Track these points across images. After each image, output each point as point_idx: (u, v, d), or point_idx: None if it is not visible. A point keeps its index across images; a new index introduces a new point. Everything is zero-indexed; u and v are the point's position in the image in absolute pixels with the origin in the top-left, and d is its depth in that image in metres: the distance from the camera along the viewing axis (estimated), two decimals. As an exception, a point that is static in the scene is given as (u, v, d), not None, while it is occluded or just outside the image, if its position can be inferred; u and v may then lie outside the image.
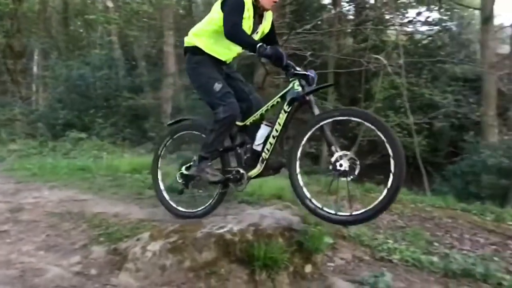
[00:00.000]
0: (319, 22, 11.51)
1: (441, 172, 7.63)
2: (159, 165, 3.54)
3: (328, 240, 3.30)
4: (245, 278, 2.69)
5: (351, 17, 13.54)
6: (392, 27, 11.69)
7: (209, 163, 3.10)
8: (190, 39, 3.13)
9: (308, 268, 2.95)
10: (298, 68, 2.88)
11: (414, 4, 13.26)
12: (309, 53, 9.26)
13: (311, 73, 2.84)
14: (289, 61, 2.83)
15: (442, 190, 6.35)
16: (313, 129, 2.75)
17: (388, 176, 2.48)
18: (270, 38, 3.24)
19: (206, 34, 3.06)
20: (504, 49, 10.69)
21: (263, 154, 2.95)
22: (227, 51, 3.13)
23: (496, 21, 10.09)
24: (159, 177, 3.53)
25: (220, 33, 2.95)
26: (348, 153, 2.64)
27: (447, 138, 9.54)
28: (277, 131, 2.89)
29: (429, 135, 9.90)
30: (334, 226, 3.73)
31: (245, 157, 3.08)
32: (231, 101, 2.96)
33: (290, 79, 2.90)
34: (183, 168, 3.29)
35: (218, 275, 2.65)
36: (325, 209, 2.69)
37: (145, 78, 11.87)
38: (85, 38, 15.88)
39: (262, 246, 2.71)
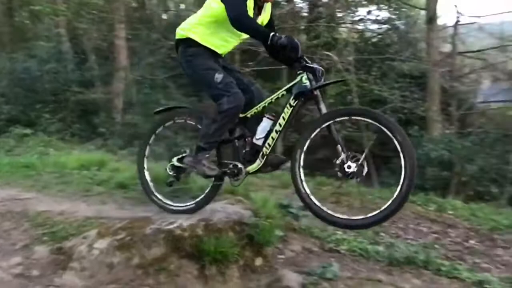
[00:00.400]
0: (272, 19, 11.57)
1: (389, 165, 7.91)
2: (146, 155, 3.31)
3: (279, 233, 3.36)
4: (195, 273, 2.69)
5: (305, 14, 13.70)
6: (343, 25, 11.93)
7: (207, 155, 2.92)
8: (183, 31, 2.96)
9: (258, 261, 2.99)
10: (309, 61, 2.79)
11: (364, 2, 13.59)
12: (262, 49, 9.27)
13: (320, 68, 2.76)
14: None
15: (390, 182, 6.60)
16: (320, 128, 2.67)
17: (400, 177, 2.47)
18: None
19: (203, 26, 2.90)
20: (447, 47, 11.23)
21: (264, 149, 2.84)
22: (224, 44, 2.99)
23: (440, 21, 10.57)
24: (146, 168, 3.31)
25: (218, 24, 2.85)
26: (360, 156, 2.59)
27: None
28: (280, 125, 2.80)
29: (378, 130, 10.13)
30: (285, 219, 3.82)
31: (244, 151, 2.95)
32: (235, 91, 2.82)
33: (298, 72, 2.79)
34: (175, 159, 3.13)
35: (167, 271, 2.63)
36: (337, 215, 2.65)
37: (95, 72, 11.48)
38: (31, 30, 15.12)
39: (212, 241, 2.72)
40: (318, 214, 2.67)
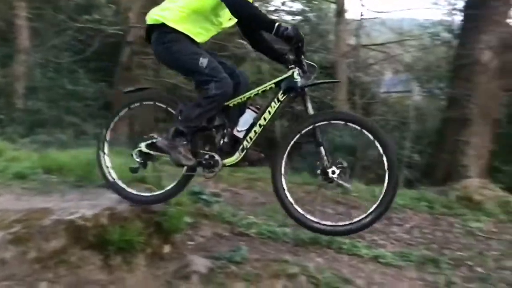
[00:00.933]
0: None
1: (300, 150, 8.23)
2: (108, 138, 3.07)
3: (188, 219, 3.35)
4: (99, 264, 2.61)
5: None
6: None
7: (184, 142, 2.71)
8: (158, 17, 2.73)
9: (166, 249, 2.97)
10: (303, 56, 2.69)
11: (279, -7, 13.87)
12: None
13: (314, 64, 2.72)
14: None
15: (300, 168, 6.87)
16: (305, 129, 2.65)
17: (384, 179, 2.55)
18: None
19: (183, 13, 2.69)
20: (354, 40, 11.91)
21: (245, 142, 2.74)
22: (204, 32, 2.81)
23: (348, 15, 11.16)
24: (106, 153, 3.06)
25: (201, 13, 2.70)
26: (345, 164, 2.63)
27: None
28: (265, 119, 2.71)
29: (292, 118, 10.54)
30: (195, 205, 3.83)
31: (222, 142, 2.81)
32: (223, 75, 2.66)
33: (290, 67, 2.70)
34: (143, 144, 2.92)
35: (68, 264, 2.52)
36: (323, 222, 2.70)
37: (-8, 54, 10.48)
38: None
39: (116, 230, 2.64)
40: (302, 222, 2.73)
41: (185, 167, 2.81)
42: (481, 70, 6.23)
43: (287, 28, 2.52)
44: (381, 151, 2.57)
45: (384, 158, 2.56)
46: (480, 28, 6.24)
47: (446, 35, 8.65)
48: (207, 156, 2.79)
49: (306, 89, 2.70)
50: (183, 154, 2.68)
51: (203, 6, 2.69)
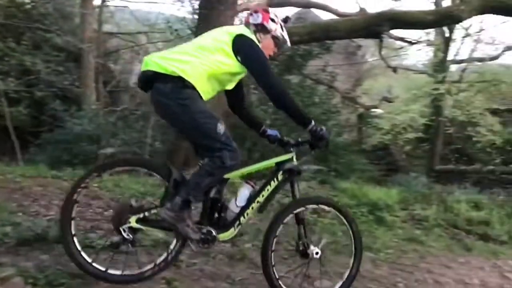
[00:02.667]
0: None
1: (38, 141, 7.56)
2: (73, 212, 2.56)
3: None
4: None
5: None
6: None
7: (190, 214, 2.51)
8: (174, 68, 2.46)
9: None
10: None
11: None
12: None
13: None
14: None
15: (36, 159, 6.31)
16: (293, 213, 2.82)
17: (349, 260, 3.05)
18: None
19: (205, 71, 2.51)
20: (107, 28, 11.56)
21: (242, 218, 2.68)
22: (211, 92, 2.63)
23: (96, 0, 10.72)
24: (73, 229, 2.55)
25: (222, 75, 2.59)
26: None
27: (48, 107, 9.42)
28: (263, 196, 2.74)
29: (30, 104, 9.53)
30: None
31: (218, 216, 2.68)
32: (235, 146, 2.55)
33: (291, 149, 2.86)
34: (133, 218, 2.52)
35: None
36: None
37: None
38: None
39: None
40: None
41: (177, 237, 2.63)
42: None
43: (322, 129, 2.68)
44: (348, 226, 3.03)
45: (352, 235, 3.03)
46: (212, 28, 6.89)
47: (188, 31, 9.29)
48: (204, 231, 2.62)
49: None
50: (191, 227, 2.53)
51: (229, 71, 2.62)
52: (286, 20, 2.98)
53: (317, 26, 7.20)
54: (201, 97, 2.57)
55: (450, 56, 16.65)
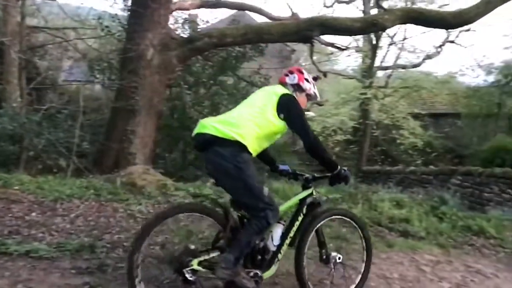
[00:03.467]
0: None
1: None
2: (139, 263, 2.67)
3: None
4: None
5: None
6: None
7: (242, 265, 2.79)
8: (233, 133, 2.72)
9: None
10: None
11: None
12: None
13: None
14: None
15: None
16: (322, 222, 3.22)
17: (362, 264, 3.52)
18: None
19: (258, 133, 2.80)
20: (30, 21, 10.87)
21: (279, 255, 2.96)
22: (259, 150, 2.91)
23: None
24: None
25: (270, 136, 2.90)
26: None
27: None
28: (293, 231, 3.02)
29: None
30: None
31: (261, 258, 2.91)
32: (276, 205, 2.86)
33: (310, 185, 3.20)
34: (196, 261, 2.70)
35: None
36: None
37: None
38: None
39: None
40: None
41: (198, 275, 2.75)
42: (145, 65, 6.80)
43: (345, 170, 3.04)
44: (361, 234, 3.49)
45: (364, 242, 3.50)
46: (145, 26, 6.80)
47: (119, 28, 9.00)
48: (252, 274, 2.82)
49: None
50: (247, 278, 2.75)
51: (277, 131, 2.91)
52: (316, 78, 3.37)
53: (250, 28, 7.29)
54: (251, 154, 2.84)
55: (377, 63, 17.66)
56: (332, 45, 7.65)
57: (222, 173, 2.79)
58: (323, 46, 8.98)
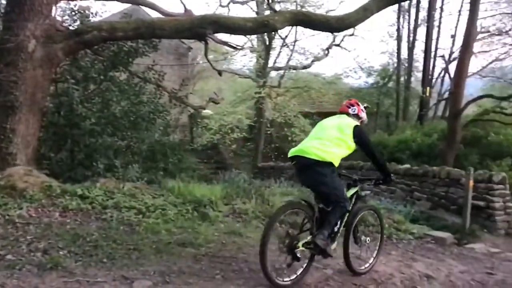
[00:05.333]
0: None
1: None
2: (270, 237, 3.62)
3: None
4: None
5: None
6: None
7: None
8: (328, 158, 3.85)
9: None
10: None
11: None
12: None
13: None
14: None
15: None
16: (362, 213, 4.47)
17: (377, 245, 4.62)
18: None
19: (340, 157, 3.97)
20: None
21: (338, 233, 4.10)
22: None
23: None
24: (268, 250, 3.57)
25: (345, 155, 4.03)
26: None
27: None
28: (346, 217, 4.12)
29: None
30: None
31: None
32: (348, 198, 4.08)
33: (356, 184, 4.35)
34: (301, 244, 3.75)
35: None
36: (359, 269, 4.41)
37: None
38: None
39: None
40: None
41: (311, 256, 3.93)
42: (26, 58, 6.20)
43: (391, 176, 4.41)
44: (380, 224, 4.77)
45: (380, 226, 4.76)
46: (25, 16, 6.22)
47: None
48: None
49: None
50: (332, 248, 3.97)
51: (351, 151, 4.07)
52: (366, 107, 4.49)
53: (142, 23, 7.07)
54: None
55: (270, 63, 18.32)
56: (226, 43, 7.77)
57: (321, 184, 3.91)
58: (219, 45, 9.08)
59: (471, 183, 7.37)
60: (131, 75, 9.12)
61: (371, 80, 21.26)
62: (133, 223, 5.10)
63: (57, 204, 5.25)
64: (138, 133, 8.58)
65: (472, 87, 20.42)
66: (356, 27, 16.98)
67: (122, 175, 7.08)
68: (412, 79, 19.57)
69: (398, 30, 19.84)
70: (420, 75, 17.56)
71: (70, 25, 8.31)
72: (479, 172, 8.05)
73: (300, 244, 3.74)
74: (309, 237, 3.82)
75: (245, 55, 20.07)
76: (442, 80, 20.58)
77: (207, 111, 17.24)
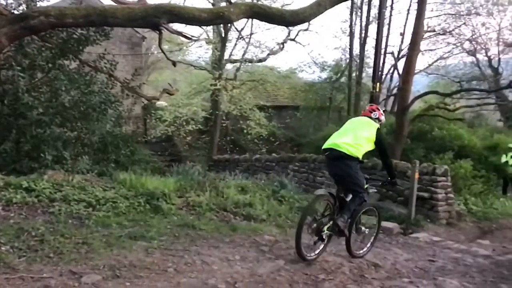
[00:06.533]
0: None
1: None
2: (307, 220, 4.47)
3: None
4: None
5: None
6: None
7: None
8: (354, 150, 4.54)
9: None
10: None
11: None
12: None
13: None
14: None
15: None
16: (367, 208, 5.14)
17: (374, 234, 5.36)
18: None
19: (363, 152, 4.64)
20: None
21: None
22: None
23: None
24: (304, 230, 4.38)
25: (367, 150, 4.73)
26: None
27: None
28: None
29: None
30: None
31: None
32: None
33: (369, 182, 5.03)
34: (326, 227, 4.52)
35: None
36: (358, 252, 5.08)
37: None
38: None
39: None
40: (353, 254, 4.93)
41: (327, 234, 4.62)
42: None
43: (396, 179, 5.14)
44: (378, 217, 5.43)
45: (378, 221, 5.44)
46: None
47: None
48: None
49: None
50: (348, 229, 4.70)
51: (372, 148, 4.78)
52: (385, 111, 5.17)
53: (94, 10, 6.78)
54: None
55: (226, 56, 18.23)
56: (181, 34, 7.64)
57: (347, 175, 4.61)
58: (174, 35, 8.92)
59: (417, 175, 7.73)
60: (81, 64, 8.79)
61: (324, 75, 21.71)
62: (83, 217, 4.96)
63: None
64: (88, 124, 8.29)
65: (419, 83, 21.38)
66: (310, 22, 17.33)
67: (71, 167, 6.85)
68: (364, 74, 20.10)
69: (350, 26, 20.30)
70: (371, 71, 18.04)
71: (14, 9, 7.88)
72: (424, 165, 8.45)
73: (325, 228, 4.54)
74: (331, 222, 4.58)
75: (200, 46, 19.92)
76: (391, 76, 21.41)
77: (161, 103, 16.94)
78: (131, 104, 11.54)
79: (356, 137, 4.63)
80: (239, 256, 4.51)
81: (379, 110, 5.05)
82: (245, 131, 17.25)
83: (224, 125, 18.45)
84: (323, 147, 4.73)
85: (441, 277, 4.62)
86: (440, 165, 8.84)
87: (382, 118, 5.03)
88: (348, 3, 19.08)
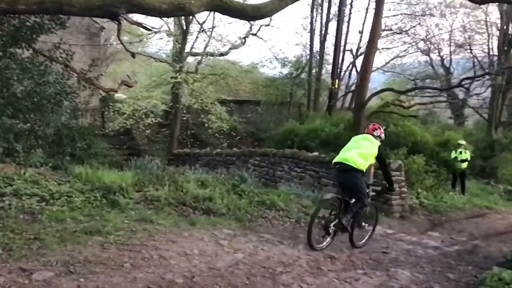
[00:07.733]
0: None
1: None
2: (317, 219, 5.37)
3: None
4: None
5: None
6: None
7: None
8: (360, 165, 5.39)
9: None
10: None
11: None
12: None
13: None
14: None
15: None
16: (367, 206, 5.89)
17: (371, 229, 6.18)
18: None
19: (367, 165, 5.51)
20: None
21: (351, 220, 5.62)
22: None
23: None
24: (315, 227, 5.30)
25: (369, 163, 5.68)
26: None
27: None
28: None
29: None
30: None
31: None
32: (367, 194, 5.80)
33: (370, 187, 6.42)
34: (332, 224, 5.37)
35: None
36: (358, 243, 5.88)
37: None
38: None
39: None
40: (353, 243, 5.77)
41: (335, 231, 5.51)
42: None
43: (393, 185, 6.17)
44: (376, 214, 6.41)
45: (375, 217, 6.35)
46: None
47: None
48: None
49: None
50: (351, 228, 5.58)
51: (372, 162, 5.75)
52: (385, 129, 5.82)
53: (48, -3, 6.55)
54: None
55: (187, 48, 18.00)
56: (140, 25, 7.47)
57: (353, 184, 5.44)
58: (134, 26, 8.71)
59: (373, 169, 7.97)
60: (35, 53, 8.41)
61: (285, 70, 21.88)
62: (35, 211, 4.80)
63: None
64: (42, 115, 7.96)
65: (376, 81, 22.00)
66: (272, 17, 17.39)
67: (23, 160, 6.60)
68: (323, 71, 20.42)
69: (311, 23, 20.53)
70: (330, 67, 18.37)
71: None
72: (379, 160, 8.72)
73: (331, 224, 5.37)
74: (336, 220, 5.39)
75: (161, 38, 19.58)
76: (350, 73, 21.84)
77: (120, 95, 16.52)
78: (88, 96, 11.15)
79: (361, 153, 5.47)
80: (197, 250, 4.50)
81: (380, 129, 5.80)
82: (206, 125, 17.14)
83: (184, 118, 18.26)
84: (334, 161, 5.62)
85: (394, 268, 4.83)
86: (395, 160, 9.15)
87: (383, 136, 5.80)
88: (309, -1, 19.32)
